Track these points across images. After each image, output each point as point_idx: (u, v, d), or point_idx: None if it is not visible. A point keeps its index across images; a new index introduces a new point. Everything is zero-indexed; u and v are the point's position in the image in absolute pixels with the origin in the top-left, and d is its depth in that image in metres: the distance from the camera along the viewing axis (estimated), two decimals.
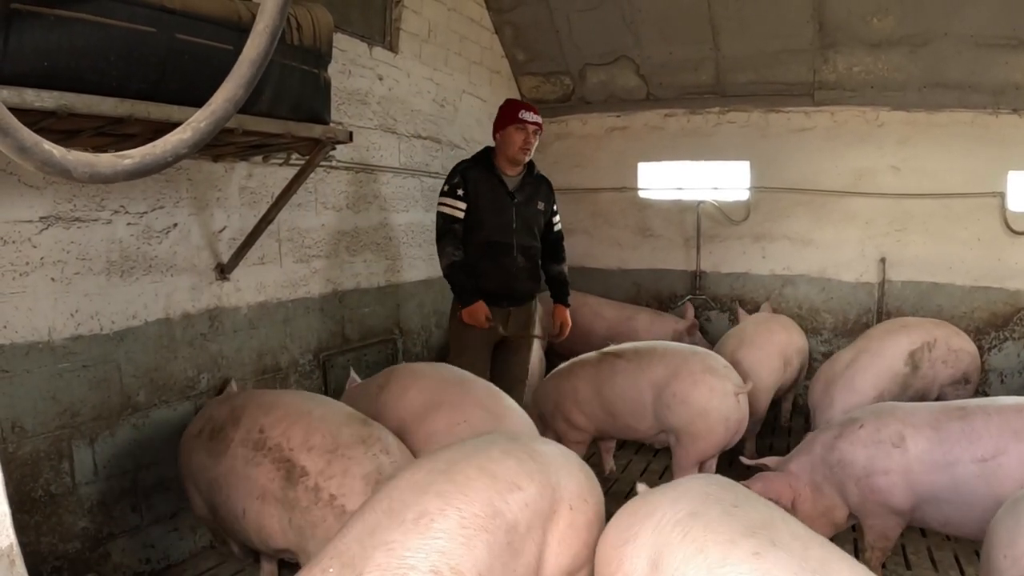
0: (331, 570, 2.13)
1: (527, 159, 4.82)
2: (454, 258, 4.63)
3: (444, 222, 4.69)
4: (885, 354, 5.17)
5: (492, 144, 4.89)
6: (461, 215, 4.68)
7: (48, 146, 0.89)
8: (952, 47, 6.08)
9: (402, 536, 2.13)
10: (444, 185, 4.75)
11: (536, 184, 4.96)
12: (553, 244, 5.11)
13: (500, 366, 4.90)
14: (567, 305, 5.11)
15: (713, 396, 4.57)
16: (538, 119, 4.75)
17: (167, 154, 0.97)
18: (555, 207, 5.11)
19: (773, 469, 3.94)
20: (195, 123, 0.99)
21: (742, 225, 7.36)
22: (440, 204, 4.74)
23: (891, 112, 6.70)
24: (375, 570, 2.07)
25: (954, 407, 3.71)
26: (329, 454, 3.03)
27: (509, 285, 4.81)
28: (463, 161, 4.87)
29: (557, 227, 5.12)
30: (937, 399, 5.22)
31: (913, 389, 5.21)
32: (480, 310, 4.59)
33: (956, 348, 5.38)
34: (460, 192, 4.67)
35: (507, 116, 4.75)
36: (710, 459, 4.80)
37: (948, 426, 3.55)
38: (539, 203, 4.94)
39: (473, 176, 4.71)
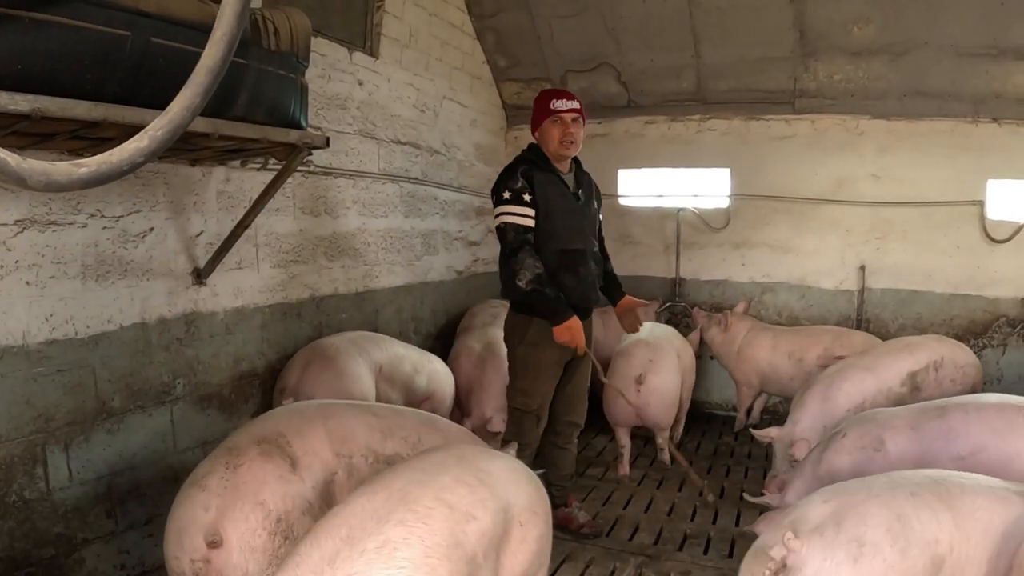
0: None
1: (573, 152, 4.32)
2: (538, 270, 4.05)
3: (516, 234, 4.11)
4: (879, 371, 4.94)
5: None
6: (532, 223, 4.13)
7: (3, 154, 0.89)
8: (932, 56, 6.14)
9: (365, 567, 2.01)
10: (503, 191, 4.18)
11: (588, 181, 4.54)
12: (602, 244, 4.68)
13: (569, 380, 4.51)
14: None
15: (613, 377, 5.31)
16: (574, 104, 4.25)
17: (123, 163, 0.97)
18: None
19: (775, 507, 3.88)
20: (152, 131, 0.98)
21: (722, 232, 7.39)
22: (504, 214, 4.16)
23: (871, 120, 6.76)
24: None
25: (933, 407, 3.75)
26: (210, 461, 2.96)
27: (588, 296, 4.37)
28: (518, 161, 4.33)
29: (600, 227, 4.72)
30: None
31: None
32: (577, 326, 4.09)
33: (963, 364, 5.16)
34: (527, 197, 4.13)
35: (540, 111, 4.31)
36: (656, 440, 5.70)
37: (927, 425, 3.60)
38: (595, 202, 4.55)
39: (539, 178, 4.19)
